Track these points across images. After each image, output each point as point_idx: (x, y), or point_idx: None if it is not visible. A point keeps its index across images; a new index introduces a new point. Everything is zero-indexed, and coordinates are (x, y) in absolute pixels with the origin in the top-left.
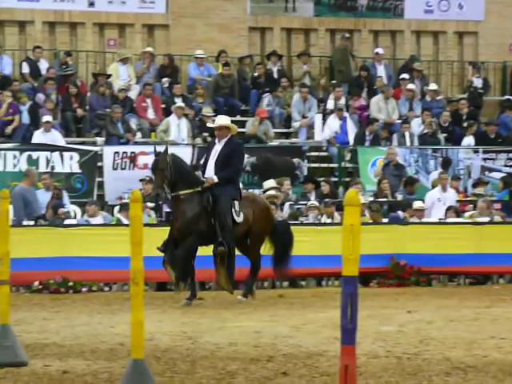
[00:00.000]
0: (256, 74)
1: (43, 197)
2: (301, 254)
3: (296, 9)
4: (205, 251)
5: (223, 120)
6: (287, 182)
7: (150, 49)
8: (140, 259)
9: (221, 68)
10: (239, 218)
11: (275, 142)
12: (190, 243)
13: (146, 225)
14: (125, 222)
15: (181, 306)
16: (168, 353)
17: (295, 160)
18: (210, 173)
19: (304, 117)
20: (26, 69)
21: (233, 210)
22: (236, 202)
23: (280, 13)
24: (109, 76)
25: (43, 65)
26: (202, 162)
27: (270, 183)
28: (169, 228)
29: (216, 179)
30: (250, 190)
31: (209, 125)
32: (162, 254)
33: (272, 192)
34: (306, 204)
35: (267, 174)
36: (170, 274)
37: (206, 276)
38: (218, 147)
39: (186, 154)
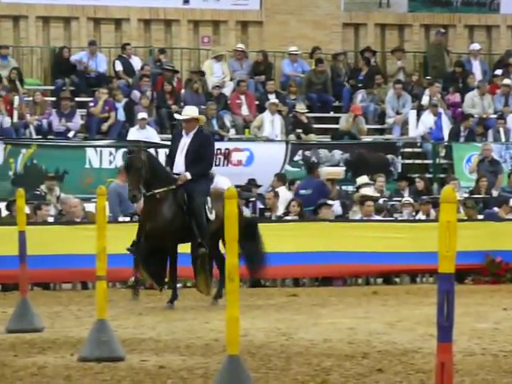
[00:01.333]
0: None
1: None
2: (395, 250)
3: (390, 4)
4: None
5: (192, 111)
6: (381, 178)
7: (241, 46)
8: (235, 255)
9: (314, 64)
10: (212, 215)
11: (369, 139)
12: (171, 246)
13: None
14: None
15: (165, 309)
16: (262, 349)
17: (389, 156)
18: (180, 168)
19: (398, 113)
20: (119, 66)
21: (206, 207)
22: (208, 199)
23: (374, 8)
24: (203, 73)
25: (136, 62)
26: (166, 154)
27: (363, 179)
28: (139, 227)
29: (189, 176)
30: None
31: (177, 116)
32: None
33: (365, 188)
34: (399, 200)
35: (361, 171)
36: (144, 276)
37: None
38: (186, 140)
39: (279, 151)
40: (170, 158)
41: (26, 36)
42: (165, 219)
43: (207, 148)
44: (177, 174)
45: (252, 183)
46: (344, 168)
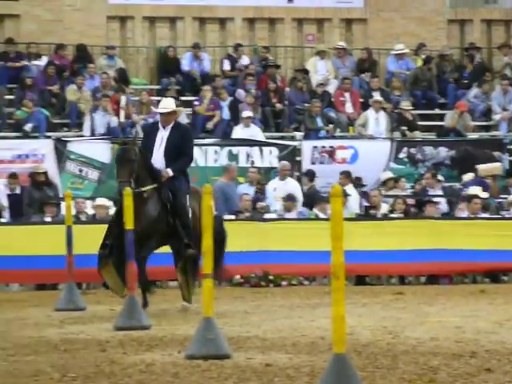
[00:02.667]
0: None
1: (246, 191)
2: (503, 248)
3: (497, 0)
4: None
5: (171, 104)
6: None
7: (342, 43)
8: (341, 253)
9: (419, 61)
10: (189, 214)
11: (475, 135)
12: (154, 245)
13: (346, 219)
14: (321, 216)
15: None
16: (369, 347)
17: (496, 153)
18: (159, 164)
19: (505, 109)
20: (226, 66)
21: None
22: (188, 196)
23: (480, 4)
24: (307, 71)
25: (244, 62)
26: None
27: (469, 176)
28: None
29: (171, 173)
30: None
31: (155, 110)
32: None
33: (473, 187)
34: (506, 198)
35: (467, 168)
36: (110, 280)
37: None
38: (163, 134)
39: (383, 148)
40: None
41: (133, 36)
42: (152, 219)
43: (188, 143)
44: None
45: (357, 181)
46: (500, 163)
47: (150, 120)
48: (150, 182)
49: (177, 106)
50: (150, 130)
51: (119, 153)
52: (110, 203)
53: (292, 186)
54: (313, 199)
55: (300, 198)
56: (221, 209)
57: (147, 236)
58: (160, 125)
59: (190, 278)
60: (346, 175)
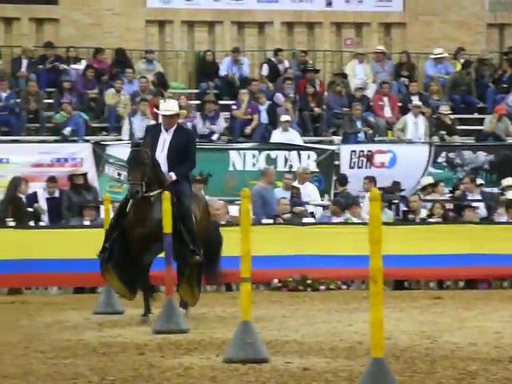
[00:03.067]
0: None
1: (282, 195)
2: None
3: None
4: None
5: (174, 106)
6: None
7: (381, 47)
8: (379, 258)
9: (458, 66)
10: (193, 218)
11: None
12: (159, 251)
13: (384, 223)
14: (354, 220)
15: (139, 324)
16: (407, 352)
17: None
18: (162, 168)
19: None
20: (265, 71)
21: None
22: (191, 201)
23: None
24: (345, 75)
25: (284, 66)
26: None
27: (508, 181)
28: (111, 230)
29: (174, 177)
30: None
31: (160, 112)
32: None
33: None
34: None
35: (506, 172)
36: (113, 284)
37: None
38: (166, 136)
39: (422, 153)
40: None
41: (171, 40)
42: (158, 224)
43: (191, 147)
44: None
45: (396, 186)
46: None
47: (189, 124)
48: (157, 187)
49: (182, 108)
50: (153, 132)
51: (132, 155)
52: None
53: (310, 191)
54: (345, 204)
55: (318, 201)
56: (258, 213)
57: (152, 241)
58: (162, 127)
59: (195, 284)
60: (370, 179)
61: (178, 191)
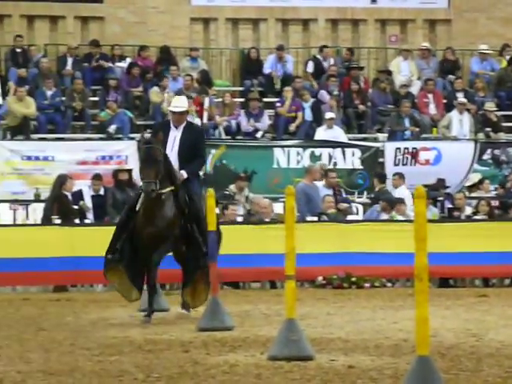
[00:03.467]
0: None
1: (324, 193)
2: None
3: None
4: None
5: (184, 102)
6: None
7: (425, 44)
8: (424, 255)
9: (504, 62)
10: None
11: None
12: (167, 250)
13: (430, 221)
14: (398, 217)
15: (142, 324)
16: (452, 350)
17: None
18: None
19: None
20: (310, 68)
21: None
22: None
23: None
24: (390, 72)
25: (328, 63)
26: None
27: None
28: (121, 229)
29: (185, 175)
30: None
31: (170, 108)
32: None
33: None
34: None
35: None
36: (120, 283)
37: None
38: (176, 134)
39: (467, 150)
40: None
41: (216, 38)
42: (168, 223)
43: (201, 144)
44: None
45: (441, 183)
46: None
47: (233, 122)
48: (168, 184)
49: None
50: (161, 129)
51: (145, 152)
52: None
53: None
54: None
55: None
56: (303, 210)
57: (162, 240)
58: (172, 124)
59: (203, 287)
60: (400, 176)
61: (189, 191)
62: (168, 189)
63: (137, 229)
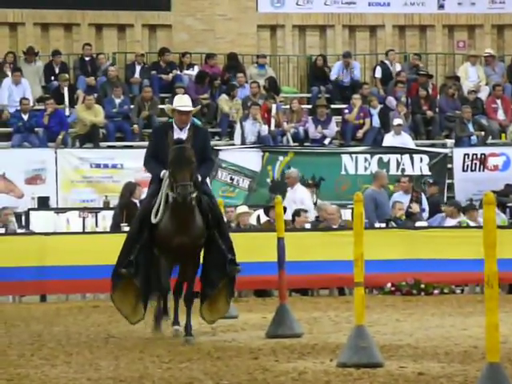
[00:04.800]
0: None
1: (400, 200)
2: None
3: None
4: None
5: (188, 101)
6: None
7: (489, 50)
8: (494, 262)
9: None
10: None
11: None
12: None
13: (499, 227)
14: (470, 223)
15: (174, 337)
16: None
17: None
18: None
19: None
20: (378, 73)
21: None
22: None
23: None
24: (458, 78)
25: (396, 68)
26: (149, 153)
27: None
28: (134, 239)
29: (200, 178)
30: None
31: (175, 107)
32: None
33: None
34: None
35: None
36: (125, 304)
37: None
38: (181, 136)
39: None
40: (155, 158)
41: (283, 45)
42: (201, 232)
43: (209, 146)
44: None
45: (509, 189)
46: None
47: (301, 128)
48: (193, 189)
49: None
50: (164, 131)
51: (178, 152)
52: (250, 211)
53: (301, 194)
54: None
55: (310, 206)
56: (371, 216)
57: (195, 250)
58: (175, 125)
59: (225, 297)
60: (433, 183)
61: (208, 195)
62: (195, 193)
63: (161, 239)
